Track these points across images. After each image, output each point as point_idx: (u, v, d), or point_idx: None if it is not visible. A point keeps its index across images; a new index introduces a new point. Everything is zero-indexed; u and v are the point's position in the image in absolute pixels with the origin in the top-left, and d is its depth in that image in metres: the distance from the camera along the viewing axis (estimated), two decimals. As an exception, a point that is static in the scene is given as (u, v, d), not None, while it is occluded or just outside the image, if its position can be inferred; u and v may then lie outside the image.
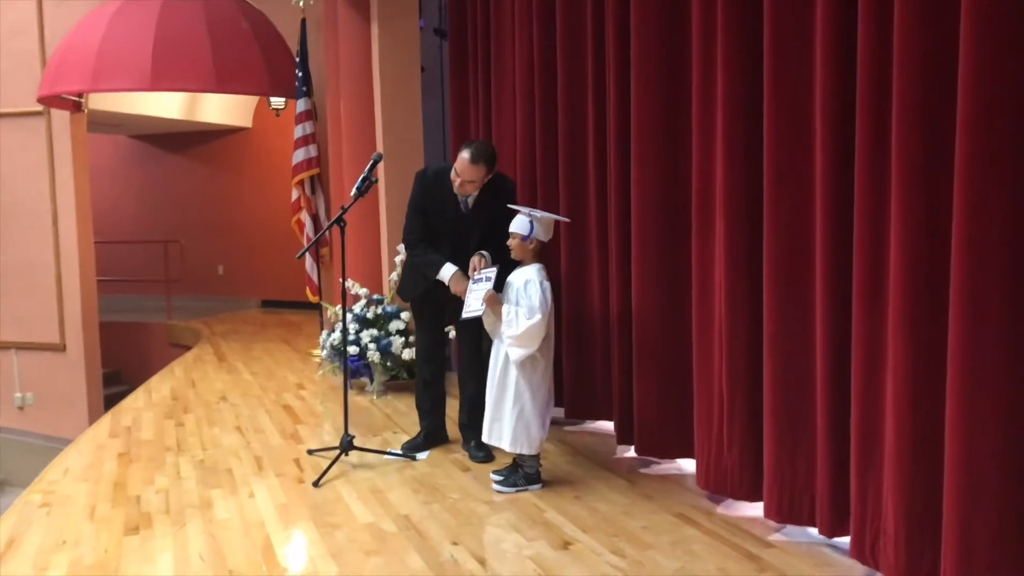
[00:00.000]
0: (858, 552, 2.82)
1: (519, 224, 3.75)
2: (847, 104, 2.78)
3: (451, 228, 4.15)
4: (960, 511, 2.39)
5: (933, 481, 2.53)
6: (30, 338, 9.56)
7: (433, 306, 4.34)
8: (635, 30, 3.79)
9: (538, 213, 3.76)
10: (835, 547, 3.05)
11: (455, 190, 4.05)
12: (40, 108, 9.03)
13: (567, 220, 4.19)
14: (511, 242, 3.77)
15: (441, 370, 4.54)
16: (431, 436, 4.48)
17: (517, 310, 3.65)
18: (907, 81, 2.50)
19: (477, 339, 4.19)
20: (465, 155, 3.92)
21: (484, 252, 3.97)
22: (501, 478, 3.79)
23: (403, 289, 4.52)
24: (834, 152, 2.83)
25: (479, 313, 3.74)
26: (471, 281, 3.87)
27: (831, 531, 2.97)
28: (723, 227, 3.32)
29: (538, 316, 3.62)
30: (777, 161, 3.04)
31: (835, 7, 2.79)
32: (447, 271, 4.03)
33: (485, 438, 3.84)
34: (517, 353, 3.67)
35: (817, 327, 2.95)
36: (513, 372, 3.71)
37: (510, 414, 3.72)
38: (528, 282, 3.70)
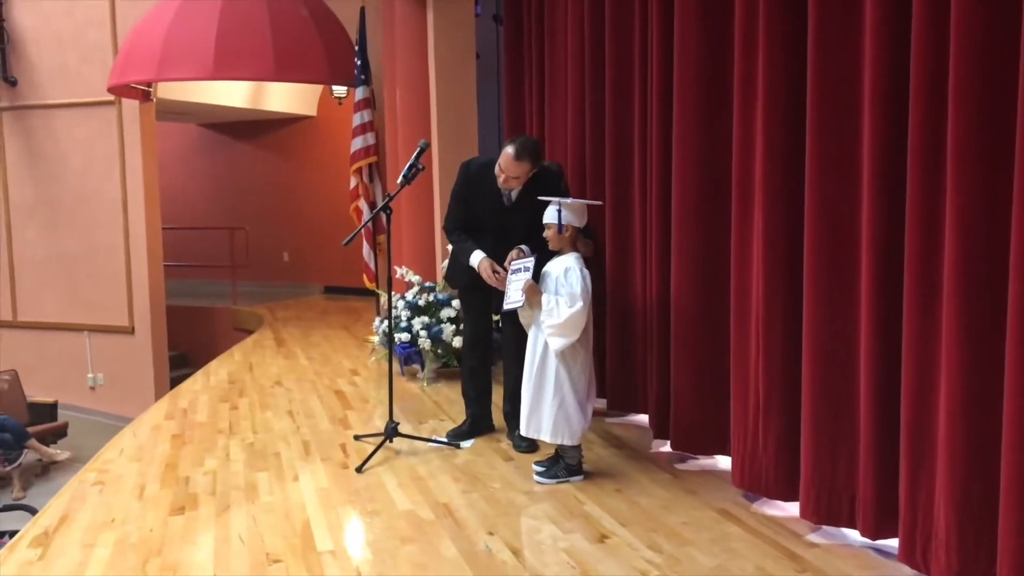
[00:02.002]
0: (907, 556, 2.71)
1: (548, 215, 3.71)
2: (898, 88, 2.65)
3: (494, 221, 4.14)
4: (1017, 515, 2.28)
5: (988, 483, 2.42)
6: (101, 321, 9.88)
7: (481, 293, 4.31)
8: (678, 13, 3.70)
9: (566, 200, 3.71)
10: (878, 549, 2.94)
11: (499, 184, 4.03)
12: (112, 98, 9.29)
13: (598, 203, 4.13)
14: (547, 234, 3.74)
15: (488, 358, 4.52)
16: (476, 424, 4.46)
17: (558, 299, 3.60)
18: (964, 62, 2.38)
19: (521, 327, 4.16)
20: (509, 151, 3.89)
21: (523, 247, 3.93)
22: (542, 469, 3.75)
23: (451, 276, 4.52)
24: (883, 139, 2.71)
25: (520, 304, 3.71)
26: (509, 272, 3.84)
27: (875, 533, 2.87)
28: (761, 216, 3.22)
29: (580, 304, 3.57)
30: (820, 148, 2.93)
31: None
32: (475, 258, 4.05)
33: (523, 431, 3.80)
34: (559, 343, 3.62)
35: (862, 321, 2.83)
36: (552, 362, 3.66)
37: (550, 405, 3.67)
38: (568, 270, 3.64)
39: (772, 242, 3.19)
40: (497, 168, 3.98)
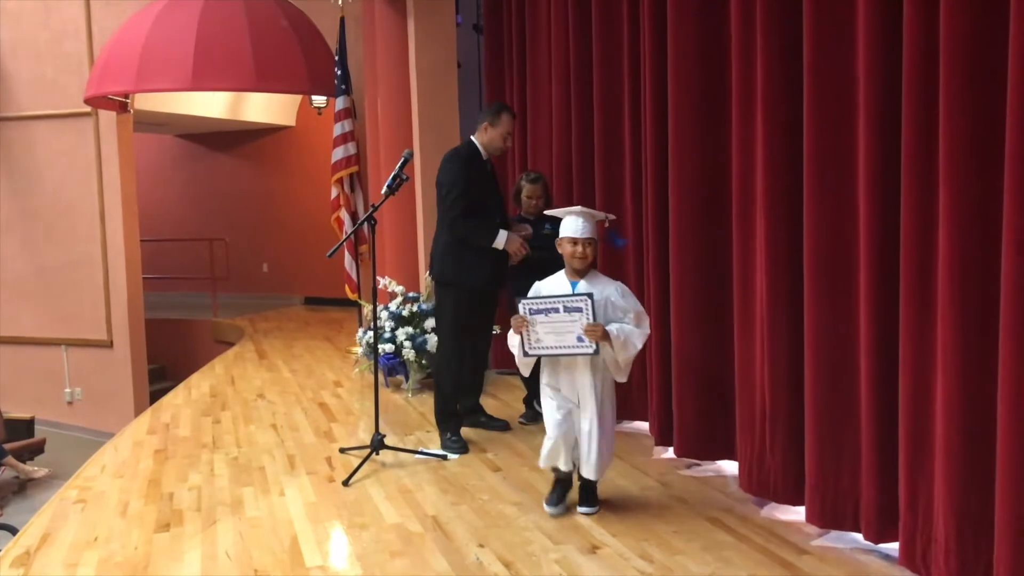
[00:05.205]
0: (908, 560, 2.73)
1: (587, 230, 3.27)
2: (892, 92, 2.69)
3: (486, 194, 4.36)
4: (1014, 517, 2.29)
5: (985, 487, 2.44)
6: (79, 334, 9.76)
7: (491, 303, 4.49)
8: (672, 20, 3.71)
9: (600, 215, 3.43)
10: (879, 553, 2.94)
11: (500, 150, 4.45)
12: (88, 109, 9.20)
13: (613, 217, 4.02)
14: (587, 251, 3.29)
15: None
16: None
17: (621, 327, 3.21)
18: (954, 68, 2.41)
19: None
20: (510, 116, 4.37)
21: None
22: (591, 509, 3.44)
23: (467, 274, 4.26)
24: (878, 143, 2.74)
25: (591, 351, 3.17)
26: (533, 310, 3.24)
27: (878, 537, 2.88)
28: (764, 223, 3.24)
29: (646, 320, 3.30)
30: (819, 154, 2.95)
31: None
32: (502, 238, 4.21)
33: (593, 475, 3.39)
34: (627, 373, 3.35)
35: (862, 326, 2.86)
36: (609, 400, 3.39)
37: (609, 443, 3.41)
38: (618, 289, 3.32)
39: (774, 252, 3.20)
40: (505, 137, 4.37)
